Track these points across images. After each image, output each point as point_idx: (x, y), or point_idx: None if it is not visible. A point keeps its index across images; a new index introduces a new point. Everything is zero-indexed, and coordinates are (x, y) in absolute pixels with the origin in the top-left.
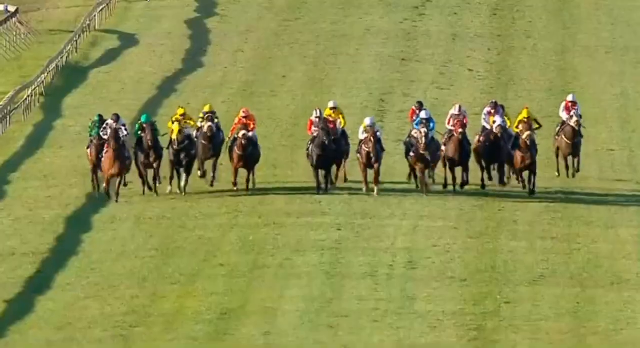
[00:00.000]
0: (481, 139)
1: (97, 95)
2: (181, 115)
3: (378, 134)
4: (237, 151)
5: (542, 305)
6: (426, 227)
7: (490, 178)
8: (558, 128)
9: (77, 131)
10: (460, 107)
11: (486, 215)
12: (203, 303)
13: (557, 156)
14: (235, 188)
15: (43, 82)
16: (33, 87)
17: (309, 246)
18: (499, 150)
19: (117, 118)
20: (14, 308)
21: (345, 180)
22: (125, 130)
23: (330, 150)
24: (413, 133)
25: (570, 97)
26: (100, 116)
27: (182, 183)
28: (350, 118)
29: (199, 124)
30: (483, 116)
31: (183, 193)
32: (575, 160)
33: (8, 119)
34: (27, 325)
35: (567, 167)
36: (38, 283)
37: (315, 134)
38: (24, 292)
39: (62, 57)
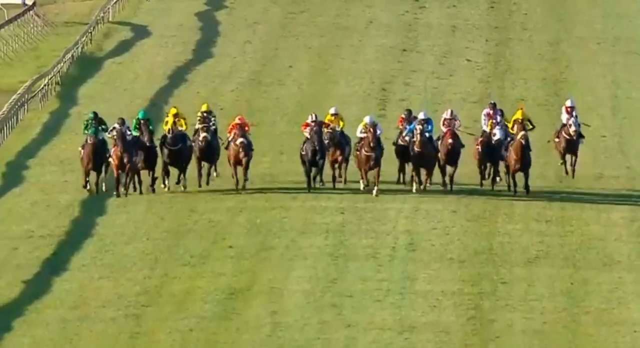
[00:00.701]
0: (480, 143)
1: (111, 84)
2: (174, 115)
3: (378, 132)
4: (233, 153)
5: (537, 285)
6: (426, 211)
7: (485, 178)
8: (557, 130)
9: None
10: (452, 111)
11: (483, 199)
12: (212, 284)
13: (563, 157)
14: (237, 186)
15: (59, 71)
16: (49, 76)
17: (314, 229)
18: (497, 154)
19: (122, 122)
20: (32, 289)
21: (344, 182)
22: (130, 132)
23: (322, 151)
24: (405, 136)
25: (568, 103)
26: (95, 113)
27: (181, 182)
28: (354, 106)
29: (197, 125)
30: (482, 117)
31: (183, 188)
32: (574, 160)
33: (25, 106)
34: (44, 304)
35: (564, 163)
36: (54, 264)
37: (308, 135)
38: (41, 273)
39: (77, 48)
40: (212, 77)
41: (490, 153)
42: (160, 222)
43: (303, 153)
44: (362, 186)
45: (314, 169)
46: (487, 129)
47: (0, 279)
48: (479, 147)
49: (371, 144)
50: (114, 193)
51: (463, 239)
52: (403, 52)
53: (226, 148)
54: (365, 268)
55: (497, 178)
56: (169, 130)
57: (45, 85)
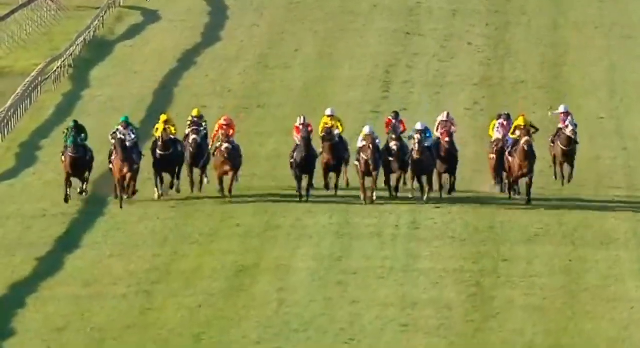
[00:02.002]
0: (495, 152)
1: (122, 67)
2: (164, 122)
3: (377, 141)
4: (219, 158)
5: (537, 263)
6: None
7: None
8: (553, 136)
9: (103, 101)
10: (448, 113)
11: (485, 178)
12: (220, 261)
13: (554, 162)
14: (223, 193)
15: (72, 54)
16: (62, 59)
17: (319, 208)
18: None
19: (126, 125)
20: (45, 266)
21: (347, 185)
22: (134, 134)
23: (312, 157)
24: (392, 145)
25: (561, 108)
26: (75, 122)
27: (174, 186)
28: (358, 88)
29: (186, 131)
30: (496, 127)
31: (165, 194)
32: (570, 170)
33: (39, 89)
34: (57, 281)
35: (562, 175)
36: (67, 242)
37: (298, 142)
38: (54, 251)
39: (89, 32)
40: (220, 60)
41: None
42: (169, 201)
43: (292, 160)
44: (362, 197)
45: (305, 178)
46: (500, 136)
47: (14, 257)
48: (494, 156)
49: (370, 148)
50: (114, 196)
51: (464, 218)
52: (406, 36)
53: (213, 154)
54: (369, 247)
55: (515, 188)
56: (159, 136)
57: (58, 68)
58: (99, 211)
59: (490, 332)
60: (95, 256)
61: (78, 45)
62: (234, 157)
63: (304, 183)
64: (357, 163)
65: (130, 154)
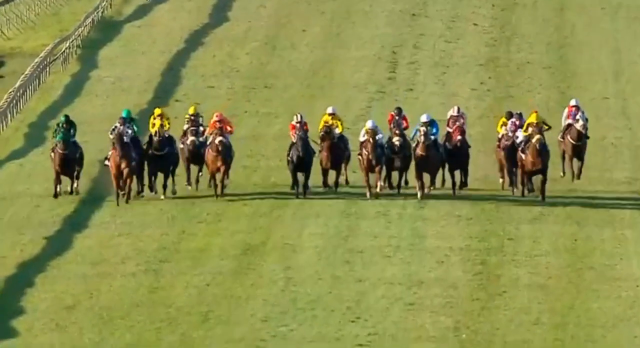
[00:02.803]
0: (504, 148)
1: (130, 47)
2: (158, 115)
3: (379, 136)
4: (212, 153)
5: (542, 241)
6: None
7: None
8: (563, 130)
9: (111, 81)
10: (458, 108)
11: (490, 159)
12: (228, 240)
13: (563, 157)
14: (215, 191)
15: (80, 35)
16: (71, 40)
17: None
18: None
19: (124, 121)
20: (54, 245)
21: (347, 183)
22: (131, 130)
23: (309, 157)
24: (395, 140)
25: (573, 102)
26: (66, 116)
27: (168, 187)
28: (364, 69)
29: (185, 126)
30: (509, 126)
31: (162, 196)
32: (580, 165)
33: (48, 69)
34: (65, 260)
35: (572, 171)
36: (76, 221)
37: (294, 140)
38: (63, 230)
39: (97, 12)
40: (227, 41)
41: (514, 158)
42: (177, 181)
43: (289, 158)
44: (367, 195)
45: (301, 176)
46: (511, 133)
47: (23, 236)
48: (503, 152)
49: (371, 147)
50: (114, 197)
51: (470, 197)
52: (412, 17)
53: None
54: (376, 226)
55: (529, 186)
56: (155, 132)
57: (66, 48)
58: (107, 190)
59: (496, 310)
60: (104, 235)
61: (86, 26)
62: (226, 153)
63: (301, 180)
64: (360, 158)
65: (128, 150)
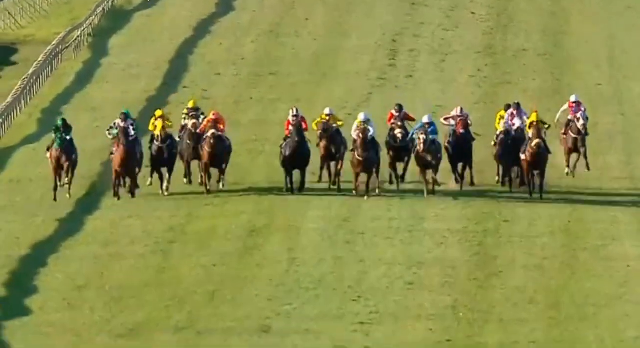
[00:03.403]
0: (500, 142)
1: (139, 36)
2: (159, 117)
3: (371, 132)
4: (206, 149)
5: (538, 223)
6: None
7: (510, 180)
8: (564, 127)
9: (121, 68)
10: (461, 109)
11: (487, 142)
12: (233, 222)
13: (567, 153)
14: (206, 189)
15: (91, 24)
16: (82, 28)
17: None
18: (516, 153)
19: (125, 117)
20: (66, 227)
21: (338, 184)
22: (134, 129)
23: (302, 151)
24: (397, 133)
25: (573, 98)
26: (63, 120)
27: (165, 184)
28: (365, 57)
29: (183, 123)
30: (506, 117)
31: (165, 194)
32: (580, 159)
33: (60, 57)
34: (77, 241)
35: (568, 165)
36: (87, 204)
37: (289, 134)
38: (75, 212)
39: (108, 2)
40: (233, 29)
41: (509, 151)
42: (185, 165)
43: (282, 155)
44: (355, 192)
45: (296, 173)
46: (509, 125)
47: (36, 218)
48: (497, 145)
49: (361, 149)
50: (114, 195)
51: (468, 181)
52: (412, 6)
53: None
54: (376, 208)
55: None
56: (157, 136)
57: (78, 36)
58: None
59: (493, 289)
60: (114, 217)
61: (97, 14)
62: (220, 149)
63: (295, 177)
64: (351, 159)
65: (132, 146)
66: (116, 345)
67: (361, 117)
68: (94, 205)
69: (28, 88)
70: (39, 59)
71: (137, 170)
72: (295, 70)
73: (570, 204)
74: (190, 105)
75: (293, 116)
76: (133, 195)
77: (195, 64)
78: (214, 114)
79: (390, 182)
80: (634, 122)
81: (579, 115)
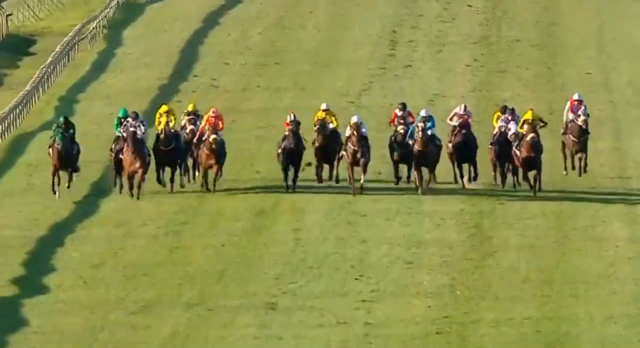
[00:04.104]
0: (495, 142)
1: (152, 27)
2: (165, 112)
3: (363, 130)
4: (205, 151)
5: (531, 205)
6: None
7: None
8: (565, 126)
9: (134, 58)
10: (465, 106)
11: (483, 129)
12: (242, 204)
13: (564, 154)
14: (206, 188)
15: (106, 16)
16: (97, 20)
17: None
18: (509, 152)
19: (136, 115)
20: (82, 209)
21: (337, 181)
22: (144, 126)
23: (299, 150)
24: (399, 129)
25: (575, 96)
26: (65, 118)
27: (168, 178)
28: (367, 47)
29: (181, 123)
30: (501, 123)
31: (171, 191)
32: (583, 157)
33: (76, 47)
34: (92, 222)
35: (573, 166)
36: (102, 187)
37: (286, 132)
38: (90, 195)
39: None
40: (241, 21)
41: (505, 152)
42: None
43: (279, 151)
44: (352, 189)
45: (292, 170)
46: (505, 127)
47: (54, 200)
48: (493, 146)
49: (355, 140)
50: (127, 192)
51: (465, 166)
52: None
53: (199, 146)
54: (377, 191)
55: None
56: (161, 130)
57: (93, 28)
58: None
59: (488, 268)
60: (128, 200)
61: (112, 7)
62: (220, 151)
63: (291, 174)
64: (344, 153)
65: (142, 148)
66: (130, 321)
67: (354, 119)
68: (108, 187)
69: (46, 77)
70: (56, 50)
71: (144, 170)
72: (299, 60)
73: (562, 187)
74: (190, 108)
75: (290, 121)
76: (138, 193)
77: (204, 54)
78: (213, 112)
79: (396, 183)
80: (622, 109)
81: (579, 112)
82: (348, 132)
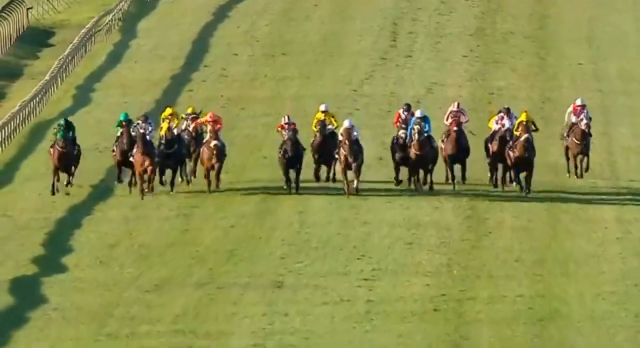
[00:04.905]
0: (492, 145)
1: (164, 20)
2: (169, 115)
3: (355, 134)
4: (206, 152)
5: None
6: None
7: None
8: (567, 130)
9: (148, 49)
10: (458, 104)
11: (479, 116)
12: (249, 188)
13: (567, 156)
14: (209, 189)
15: (121, 9)
16: (113, 13)
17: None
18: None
19: (145, 118)
20: (98, 192)
21: (334, 180)
22: (152, 128)
23: (299, 155)
24: (400, 133)
25: (578, 101)
26: (65, 120)
27: (185, 178)
28: (369, 38)
29: (182, 126)
30: (495, 120)
31: (172, 192)
32: (585, 159)
33: (93, 39)
34: (108, 205)
35: (575, 166)
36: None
37: (285, 139)
38: (106, 179)
39: None
40: (249, 14)
41: (503, 154)
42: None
43: (280, 156)
44: (346, 191)
45: (293, 173)
46: (497, 127)
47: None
48: (491, 147)
49: (347, 147)
50: (138, 192)
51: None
52: None
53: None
54: (379, 176)
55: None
56: (163, 134)
57: (109, 21)
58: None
59: (484, 249)
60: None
61: (127, 1)
62: (220, 154)
63: (292, 177)
64: (337, 156)
65: (151, 148)
66: (143, 298)
67: (346, 123)
68: (124, 173)
69: (64, 67)
70: (74, 41)
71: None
72: (305, 51)
73: (554, 171)
74: (189, 110)
75: (285, 123)
76: (151, 191)
77: (214, 45)
78: (211, 116)
79: (397, 185)
80: (611, 98)
81: (582, 116)
82: (340, 137)
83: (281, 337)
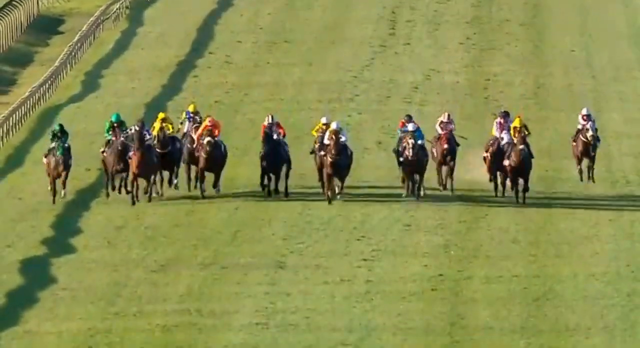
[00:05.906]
0: (491, 152)
1: (170, 8)
2: (162, 120)
3: (343, 139)
4: (202, 154)
5: None
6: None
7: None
8: (575, 135)
9: (154, 37)
10: (449, 115)
11: (474, 101)
12: (253, 171)
13: (578, 158)
14: (202, 194)
15: None
16: (121, 1)
17: None
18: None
19: (142, 125)
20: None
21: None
22: (149, 135)
23: (279, 162)
24: (403, 143)
25: (584, 111)
26: (61, 126)
27: (174, 182)
28: (369, 26)
29: (184, 128)
30: (495, 125)
31: (175, 188)
32: (591, 165)
33: (101, 26)
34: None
35: (581, 171)
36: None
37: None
38: None
39: None
40: (253, 2)
41: (500, 161)
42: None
43: (262, 162)
44: (328, 197)
45: (273, 177)
46: (498, 135)
47: (80, 167)
48: (489, 155)
49: (334, 152)
50: (131, 195)
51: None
52: None
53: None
54: (378, 159)
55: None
56: (157, 134)
57: (117, 9)
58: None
59: (480, 230)
60: None
61: None
62: (216, 155)
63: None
64: (321, 160)
65: (150, 152)
66: (150, 278)
67: (334, 125)
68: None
69: (73, 54)
70: (83, 29)
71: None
72: (307, 38)
73: (547, 156)
74: (191, 109)
75: (269, 123)
76: (150, 199)
77: (219, 33)
78: (210, 121)
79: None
80: (602, 83)
81: (588, 125)
82: (327, 140)
83: (283, 316)
